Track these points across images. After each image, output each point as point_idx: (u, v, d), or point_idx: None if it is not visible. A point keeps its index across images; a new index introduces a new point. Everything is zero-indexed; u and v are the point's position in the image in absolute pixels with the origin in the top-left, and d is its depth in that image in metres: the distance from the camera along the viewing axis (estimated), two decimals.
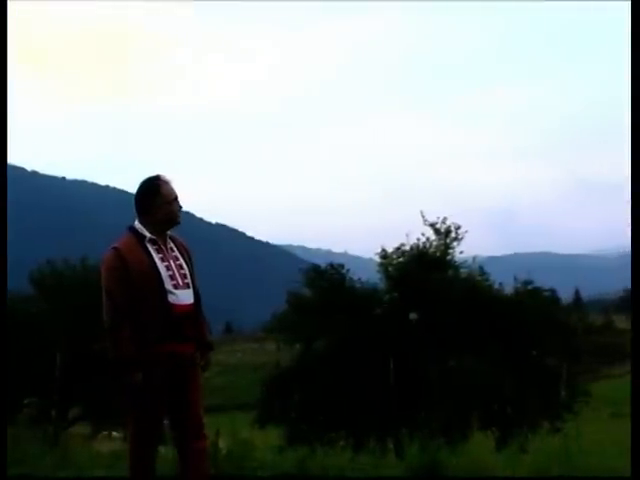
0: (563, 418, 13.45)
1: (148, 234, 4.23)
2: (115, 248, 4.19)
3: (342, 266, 15.61)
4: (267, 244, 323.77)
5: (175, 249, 4.33)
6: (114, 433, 17.17)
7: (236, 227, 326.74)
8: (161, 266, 4.19)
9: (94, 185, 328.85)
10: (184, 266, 4.29)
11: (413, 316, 14.58)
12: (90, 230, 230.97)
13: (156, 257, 4.20)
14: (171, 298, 4.15)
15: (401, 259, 15.07)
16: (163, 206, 4.24)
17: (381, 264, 15.18)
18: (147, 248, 4.20)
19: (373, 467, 6.67)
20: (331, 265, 15.61)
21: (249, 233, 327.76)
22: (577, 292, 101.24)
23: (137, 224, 4.28)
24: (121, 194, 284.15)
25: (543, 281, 16.58)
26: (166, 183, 4.29)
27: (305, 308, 15.19)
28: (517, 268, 18.28)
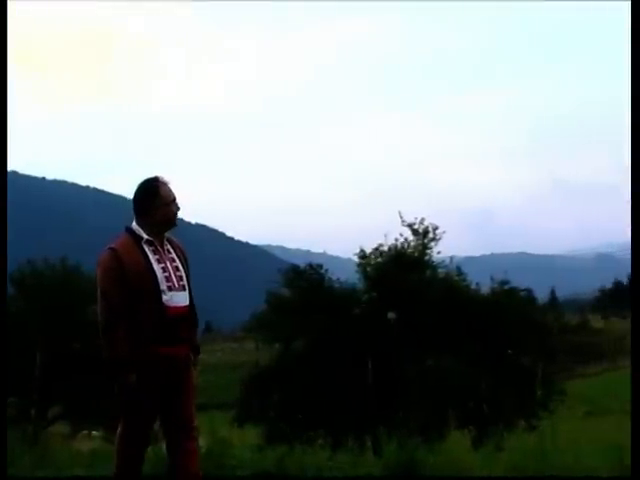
0: (539, 416, 13.58)
1: (145, 235, 4.20)
2: (112, 248, 4.15)
3: (321, 266, 15.69)
4: (247, 244, 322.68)
5: (172, 251, 4.30)
6: (94, 432, 17.11)
7: (216, 227, 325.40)
8: (157, 267, 4.16)
9: (74, 185, 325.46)
10: (180, 268, 4.27)
11: (391, 316, 14.67)
12: (70, 230, 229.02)
13: (152, 258, 4.17)
14: (165, 300, 4.14)
15: (379, 259, 15.17)
16: (161, 207, 4.22)
17: (359, 264, 15.27)
18: (144, 249, 4.18)
19: (351, 465, 6.71)
20: (310, 265, 15.68)
21: (229, 233, 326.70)
22: (553, 292, 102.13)
23: (134, 225, 4.25)
24: (101, 195, 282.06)
25: (519, 281, 16.76)
26: (165, 185, 4.27)
27: (284, 308, 15.24)
28: (494, 268, 18.47)
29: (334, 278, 15.63)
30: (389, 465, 6.27)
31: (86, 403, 16.02)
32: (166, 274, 4.18)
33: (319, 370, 13.95)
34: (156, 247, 4.23)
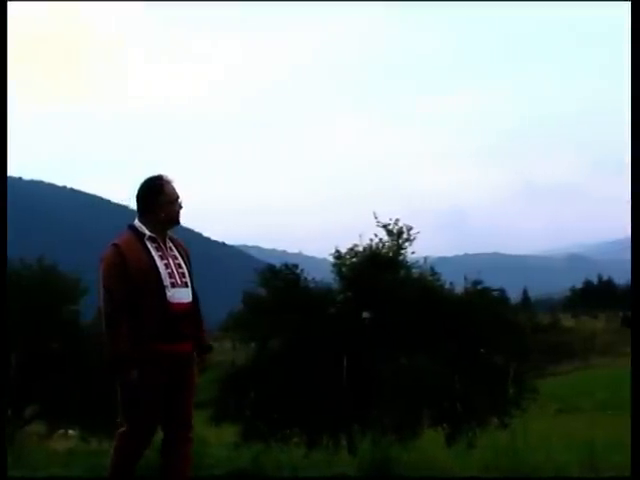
0: (511, 414, 13.73)
1: (148, 232, 4.22)
2: (115, 245, 4.16)
3: (296, 266, 15.73)
4: (223, 244, 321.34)
5: (174, 248, 4.33)
6: (70, 431, 17.06)
7: (192, 227, 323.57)
8: (160, 264, 4.18)
9: (51, 185, 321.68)
10: (183, 265, 4.30)
11: (366, 315, 14.75)
12: (47, 230, 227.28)
13: (155, 255, 4.19)
14: (169, 296, 4.15)
15: (354, 259, 15.24)
16: (165, 205, 4.25)
17: (335, 264, 15.34)
18: (146, 246, 4.20)
19: (326, 463, 6.79)
20: (286, 265, 15.71)
21: (205, 234, 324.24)
22: (525, 292, 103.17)
23: (137, 222, 4.27)
24: (78, 195, 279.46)
25: (492, 281, 16.94)
26: (168, 183, 4.30)
27: (260, 307, 15.26)
28: (467, 268, 18.62)
29: (310, 278, 15.69)
30: (364, 463, 6.35)
31: (63, 403, 15.95)
32: (169, 270, 4.20)
33: (295, 369, 14.01)
34: (159, 244, 4.25)
